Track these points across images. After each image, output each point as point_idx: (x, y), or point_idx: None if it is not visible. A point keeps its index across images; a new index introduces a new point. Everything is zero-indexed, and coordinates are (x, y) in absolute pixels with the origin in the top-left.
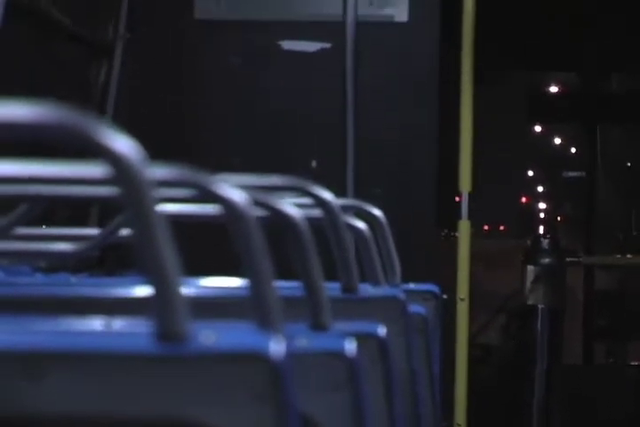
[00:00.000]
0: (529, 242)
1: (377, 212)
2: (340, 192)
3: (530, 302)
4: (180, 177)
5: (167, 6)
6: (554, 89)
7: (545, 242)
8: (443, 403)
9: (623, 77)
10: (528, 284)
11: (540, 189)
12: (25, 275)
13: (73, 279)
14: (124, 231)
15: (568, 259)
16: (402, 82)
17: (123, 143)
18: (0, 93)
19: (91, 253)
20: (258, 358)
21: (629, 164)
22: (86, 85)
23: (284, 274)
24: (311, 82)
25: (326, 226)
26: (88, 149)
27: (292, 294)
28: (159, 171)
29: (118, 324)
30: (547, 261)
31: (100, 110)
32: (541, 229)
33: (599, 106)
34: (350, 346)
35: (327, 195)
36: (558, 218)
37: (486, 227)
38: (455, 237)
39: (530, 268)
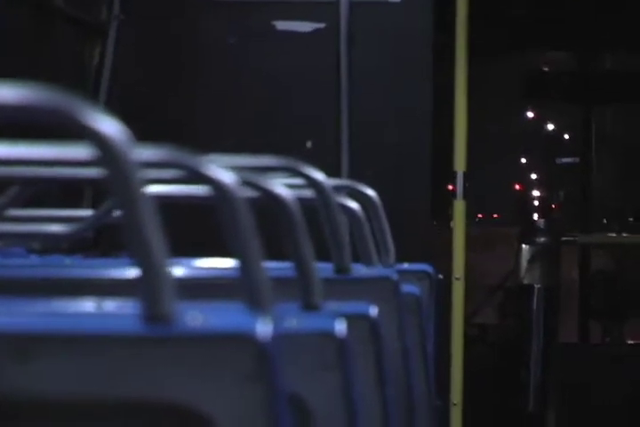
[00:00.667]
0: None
1: (370, 192)
2: (334, 173)
3: (526, 281)
4: (169, 158)
5: None
6: (548, 69)
7: (541, 222)
8: (438, 382)
9: (618, 57)
10: (524, 263)
11: (534, 175)
12: (19, 256)
13: (67, 261)
14: (118, 212)
15: (563, 238)
16: (396, 62)
17: (108, 125)
18: None
19: (84, 235)
20: (245, 339)
21: (625, 144)
22: (80, 66)
23: (277, 254)
24: (305, 62)
25: (319, 206)
26: (74, 131)
27: (285, 275)
28: (147, 152)
29: (109, 305)
30: (542, 240)
31: (93, 91)
32: (535, 217)
33: (594, 86)
34: (340, 326)
35: (319, 175)
36: (553, 206)
37: (480, 215)
38: (450, 228)
39: (525, 247)
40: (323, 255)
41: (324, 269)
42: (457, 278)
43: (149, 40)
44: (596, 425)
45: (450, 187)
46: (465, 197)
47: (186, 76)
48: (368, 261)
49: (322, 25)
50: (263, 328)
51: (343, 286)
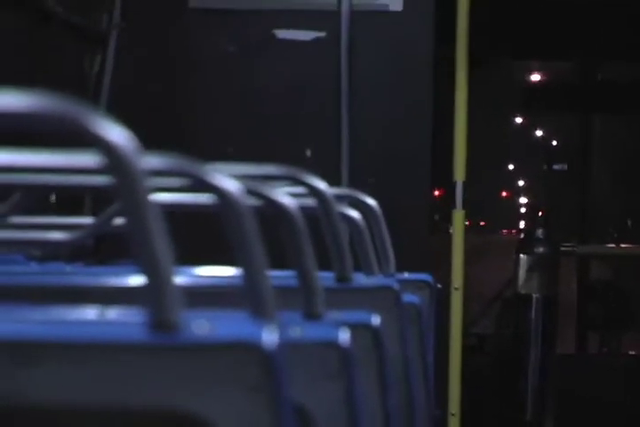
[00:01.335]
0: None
1: (371, 201)
2: (334, 182)
3: (523, 291)
4: (174, 167)
5: None
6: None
7: (539, 231)
8: (437, 392)
9: (616, 67)
10: (521, 273)
11: (522, 182)
12: (19, 264)
13: (67, 268)
14: (119, 220)
15: (562, 248)
16: (396, 71)
17: (116, 133)
18: None
19: (85, 242)
20: (250, 348)
21: (622, 152)
22: (81, 74)
23: (279, 263)
24: (305, 71)
25: (320, 215)
26: (82, 139)
27: (287, 284)
28: (153, 160)
29: (112, 313)
30: (541, 250)
31: (94, 99)
32: (522, 224)
33: (592, 95)
34: (344, 336)
35: (321, 184)
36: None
37: (467, 222)
38: (449, 234)
39: (523, 257)
40: (324, 264)
41: (325, 278)
42: (456, 288)
43: (150, 48)
44: None
45: (436, 192)
46: (464, 207)
47: (186, 84)
48: (369, 271)
49: (322, 34)
50: (269, 337)
51: (344, 294)
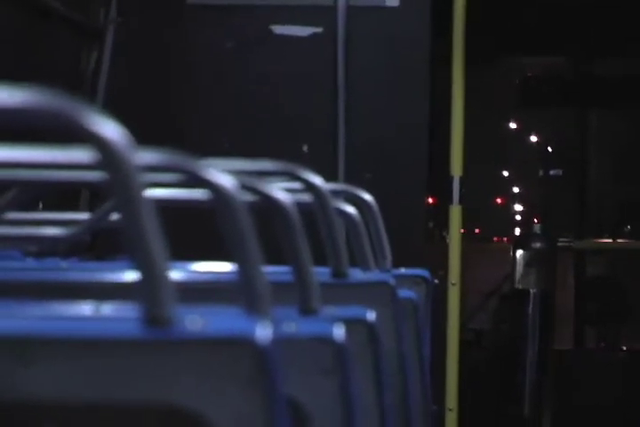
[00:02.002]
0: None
1: (367, 196)
2: (331, 177)
3: (521, 286)
4: (168, 162)
5: None
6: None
7: (536, 227)
8: (434, 387)
9: (612, 61)
10: (519, 268)
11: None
12: (15, 259)
13: (63, 264)
14: (115, 216)
15: (559, 243)
16: (393, 67)
17: (109, 128)
18: None
19: (81, 238)
20: (244, 343)
21: (619, 147)
22: (77, 70)
23: (275, 259)
24: (302, 67)
25: (316, 210)
26: (75, 134)
27: (282, 279)
28: (147, 156)
29: (107, 309)
30: (538, 245)
31: (90, 95)
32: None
33: (589, 91)
34: (339, 331)
35: (317, 179)
36: (535, 220)
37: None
38: (444, 238)
39: (520, 252)
40: (320, 260)
41: (321, 273)
42: (453, 284)
43: (146, 44)
44: None
45: (430, 200)
46: (461, 201)
47: (183, 80)
48: (365, 266)
49: (319, 29)
50: (262, 332)
51: (340, 290)
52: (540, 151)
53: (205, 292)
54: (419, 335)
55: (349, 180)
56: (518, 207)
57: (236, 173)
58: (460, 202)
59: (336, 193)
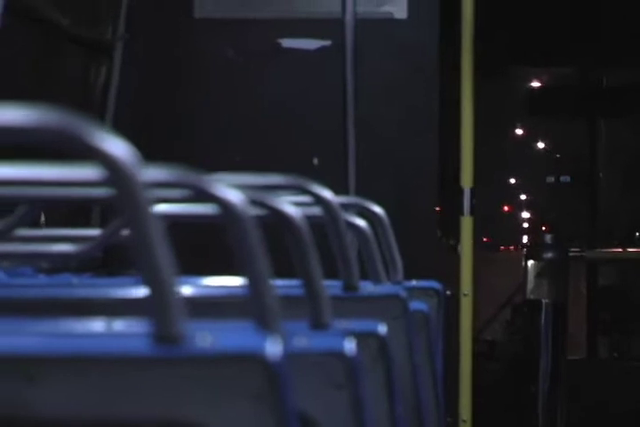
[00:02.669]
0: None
1: (378, 209)
2: (342, 190)
3: (533, 296)
4: (176, 178)
5: (166, 5)
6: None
7: (548, 237)
8: (448, 399)
9: (621, 71)
10: (530, 278)
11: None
12: (27, 276)
13: (75, 280)
14: (126, 231)
15: (571, 253)
16: (401, 79)
17: (116, 146)
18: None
19: (93, 254)
20: (254, 359)
21: (629, 157)
22: (86, 86)
23: (285, 272)
24: (311, 79)
25: (327, 224)
26: (82, 152)
27: (293, 293)
28: (154, 172)
29: (118, 325)
30: (549, 255)
31: (100, 111)
32: (525, 239)
33: (598, 100)
34: (350, 345)
35: (327, 193)
36: (543, 228)
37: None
38: (453, 247)
39: (531, 263)
40: (331, 273)
41: (332, 286)
42: (465, 295)
43: (155, 59)
44: None
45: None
46: (472, 212)
47: (192, 94)
48: (376, 279)
49: (327, 42)
50: (272, 348)
51: (351, 303)
52: (548, 160)
53: (215, 306)
54: (431, 348)
55: (360, 193)
56: (526, 215)
57: (246, 188)
58: (471, 213)
59: (346, 206)
